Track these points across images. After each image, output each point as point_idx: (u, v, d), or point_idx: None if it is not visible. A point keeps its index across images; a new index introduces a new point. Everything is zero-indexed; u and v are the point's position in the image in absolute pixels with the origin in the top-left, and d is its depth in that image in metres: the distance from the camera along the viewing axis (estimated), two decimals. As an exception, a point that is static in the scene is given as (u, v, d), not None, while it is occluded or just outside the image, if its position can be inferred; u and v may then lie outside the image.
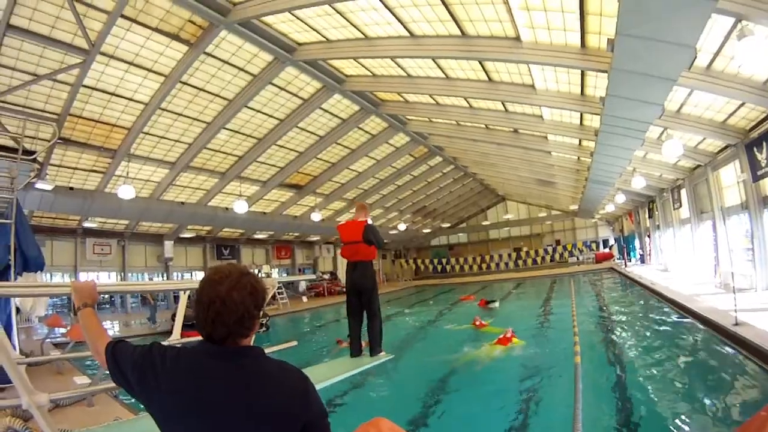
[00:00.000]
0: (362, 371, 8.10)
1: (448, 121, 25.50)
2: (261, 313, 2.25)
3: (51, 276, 28.44)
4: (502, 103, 20.68)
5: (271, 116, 24.02)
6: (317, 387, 2.28)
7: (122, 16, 15.49)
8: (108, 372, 2.37)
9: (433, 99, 22.60)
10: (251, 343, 2.28)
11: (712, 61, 12.94)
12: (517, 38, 14.48)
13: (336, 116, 25.55)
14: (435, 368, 13.07)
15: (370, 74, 21.08)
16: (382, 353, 8.39)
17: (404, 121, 27.29)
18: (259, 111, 23.31)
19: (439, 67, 18.56)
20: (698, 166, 22.04)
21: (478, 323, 18.60)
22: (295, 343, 6.78)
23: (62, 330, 18.71)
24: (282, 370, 2.22)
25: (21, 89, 17.21)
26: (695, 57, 10.52)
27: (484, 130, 25.04)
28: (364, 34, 16.97)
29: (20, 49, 15.93)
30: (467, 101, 21.58)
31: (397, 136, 29.61)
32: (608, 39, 10.47)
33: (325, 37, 17.94)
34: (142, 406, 2.27)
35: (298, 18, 16.67)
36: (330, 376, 6.80)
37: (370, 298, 8.46)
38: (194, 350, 2.19)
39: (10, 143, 16.10)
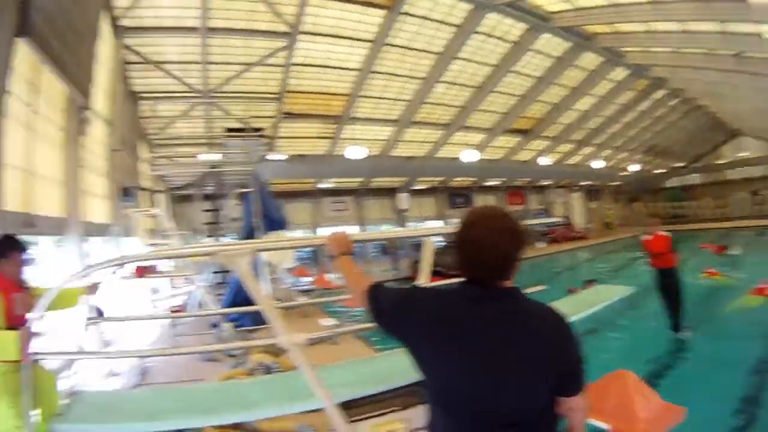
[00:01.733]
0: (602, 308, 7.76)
1: (666, 49, 22.96)
2: (522, 253, 2.17)
3: (295, 232, 30.90)
4: (719, 23, 17.92)
5: (484, 64, 23.60)
6: None
7: (310, -5, 16.06)
8: (368, 311, 2.44)
9: (646, 26, 20.45)
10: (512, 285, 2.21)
11: None
12: None
13: (548, 56, 24.39)
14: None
15: (575, 8, 19.74)
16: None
17: (620, 54, 25.16)
18: (469, 60, 22.95)
19: (646, -10, 16.72)
20: None
21: (710, 272, 16.67)
22: (544, 287, 6.73)
23: (307, 279, 20.62)
24: (545, 311, 2.19)
25: (236, 79, 18.70)
26: None
27: (704, 56, 22.08)
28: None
29: (226, 45, 17.40)
30: (681, 25, 19.12)
31: (615, 71, 27.47)
32: None
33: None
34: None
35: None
36: (572, 312, 6.65)
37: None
38: (458, 291, 2.18)
39: (240, 125, 18.03)
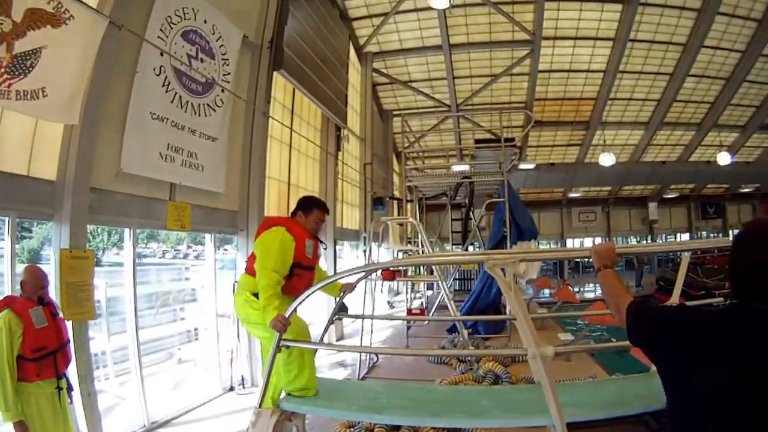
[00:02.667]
0: None
1: None
2: None
3: (539, 245, 30.42)
4: None
5: (731, 50, 21.13)
6: None
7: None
8: (627, 329, 2.25)
9: None
10: None
11: None
12: None
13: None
14: None
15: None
16: None
17: None
18: (717, 47, 20.78)
19: None
20: None
21: None
22: None
23: (549, 291, 20.40)
24: None
25: (483, 91, 19.40)
26: None
27: None
28: None
29: (470, 59, 18.14)
30: None
31: None
32: None
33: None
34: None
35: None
36: None
37: None
38: (734, 311, 1.96)
39: (488, 136, 18.63)
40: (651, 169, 28.26)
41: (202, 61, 7.57)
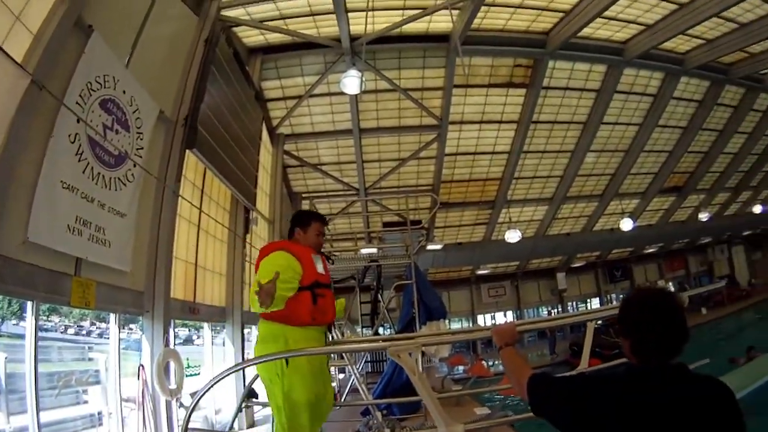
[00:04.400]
0: None
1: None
2: None
3: (450, 323, 30.53)
4: None
5: (629, 124, 23.11)
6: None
7: (455, 86, 16.95)
8: (529, 402, 2.36)
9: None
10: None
11: None
12: None
13: (691, 100, 23.39)
14: None
15: (704, 41, 18.99)
16: None
17: (759, 78, 23.46)
18: (615, 123, 22.58)
19: (766, 2, 16.00)
20: None
21: None
22: (707, 360, 5.96)
23: (462, 367, 20.33)
24: (716, 384, 2.09)
25: (391, 174, 19.74)
26: None
27: None
28: (678, 3, 15.68)
29: (379, 144, 18.60)
30: None
31: (759, 99, 25.45)
32: None
33: (644, 24, 16.93)
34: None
35: (610, 18, 16.13)
36: (740, 387, 6.20)
37: None
38: (636, 372, 2.10)
39: (396, 218, 18.70)
40: (556, 241, 29.52)
41: (117, 132, 7.25)
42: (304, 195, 19.22)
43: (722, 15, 16.52)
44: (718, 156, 28.61)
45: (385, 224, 17.57)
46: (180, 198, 9.27)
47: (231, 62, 12.40)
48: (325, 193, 20.17)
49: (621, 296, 34.29)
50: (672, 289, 37.62)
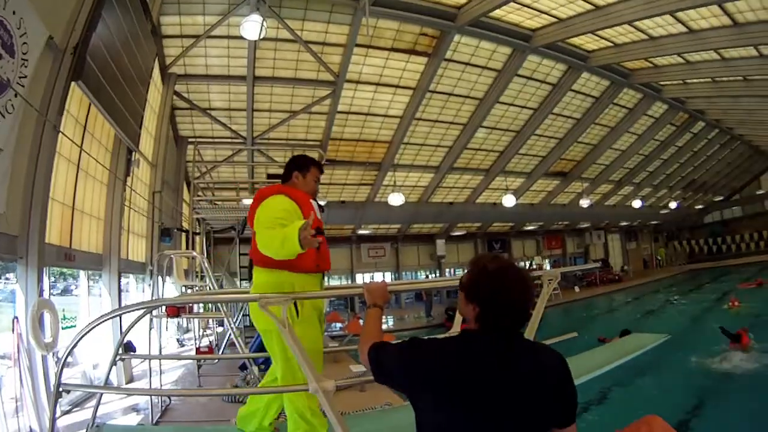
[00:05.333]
0: (634, 358, 8.04)
1: (702, 80, 23.31)
2: None
3: (329, 280, 31.20)
4: (755, 48, 18.27)
5: (524, 107, 24.12)
6: (591, 375, 2.51)
7: (357, 45, 17.02)
8: (371, 371, 2.52)
9: (682, 58, 20.77)
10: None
11: None
12: None
13: (588, 95, 24.79)
14: (707, 362, 12.46)
15: (612, 44, 20.14)
16: None
17: (658, 88, 25.51)
18: (511, 104, 23.51)
19: (680, 21, 17.14)
20: None
21: (734, 304, 18.17)
22: (575, 334, 6.48)
23: (340, 324, 20.99)
24: (548, 351, 2.30)
25: (281, 126, 19.73)
26: None
27: (742, 83, 22.39)
28: (594, 5, 16.47)
29: (271, 94, 18.41)
30: (717, 53, 19.51)
31: (654, 106, 27.58)
32: None
33: (556, 17, 17.69)
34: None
35: (524, 5, 16.71)
36: (604, 363, 6.87)
37: None
38: (476, 339, 2.23)
39: (281, 172, 18.88)
40: (439, 209, 30.53)
41: (1, 57, 6.68)
42: (190, 139, 18.67)
43: (635, 24, 17.55)
44: (606, 150, 30.70)
45: (270, 176, 17.70)
46: (60, 134, 8.79)
47: (132, -10, 11.73)
48: (212, 139, 19.86)
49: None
50: (548, 266, 40.13)
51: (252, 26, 12.66)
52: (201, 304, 14.20)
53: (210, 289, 10.63)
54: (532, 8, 16.98)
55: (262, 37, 13.28)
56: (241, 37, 13.90)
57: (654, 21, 17.29)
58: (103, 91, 9.95)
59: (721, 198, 50.55)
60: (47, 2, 7.88)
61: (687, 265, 48.14)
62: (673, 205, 43.56)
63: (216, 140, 20.00)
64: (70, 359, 3.69)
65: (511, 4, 16.21)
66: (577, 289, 35.79)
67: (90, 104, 10.56)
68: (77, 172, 10.93)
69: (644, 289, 34.98)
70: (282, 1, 14.98)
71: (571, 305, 30.28)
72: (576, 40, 19.81)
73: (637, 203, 38.04)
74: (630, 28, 18.10)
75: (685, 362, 12.58)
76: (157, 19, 14.50)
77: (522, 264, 41.00)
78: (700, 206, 50.71)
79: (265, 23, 12.79)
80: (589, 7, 16.61)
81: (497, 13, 16.96)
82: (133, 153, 13.12)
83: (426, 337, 2.47)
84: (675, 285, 35.25)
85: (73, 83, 8.76)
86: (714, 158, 40.12)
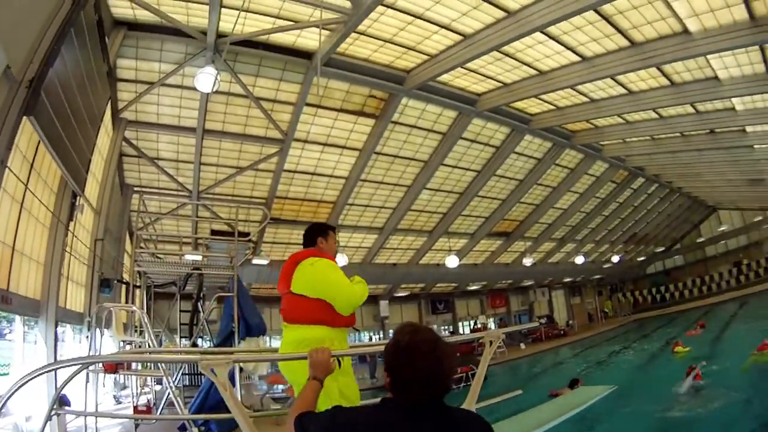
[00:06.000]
0: (585, 408, 8.06)
1: (642, 138, 24.44)
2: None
3: (271, 340, 30.76)
4: (692, 105, 19.49)
5: (468, 169, 24.71)
6: (540, 430, 2.53)
7: (306, 104, 17.30)
8: None
9: (622, 118, 21.86)
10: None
11: None
12: (686, 31, 13.93)
13: (531, 157, 25.57)
14: (654, 406, 12.68)
15: (555, 108, 20.98)
16: None
17: (599, 148, 26.56)
18: (455, 166, 24.08)
19: (620, 84, 18.08)
20: None
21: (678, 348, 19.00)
22: (519, 392, 6.54)
23: (281, 387, 20.62)
24: (468, 417, 2.31)
25: (227, 181, 19.70)
26: None
27: (680, 138, 23.66)
28: (538, 70, 17.15)
29: (220, 148, 18.42)
30: (656, 112, 20.58)
31: (595, 165, 28.81)
32: None
33: (502, 82, 18.30)
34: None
35: (471, 70, 17.26)
36: (553, 417, 6.87)
37: None
38: (385, 408, 2.28)
39: (226, 228, 18.63)
40: (383, 270, 30.62)
41: None
42: (136, 188, 18.50)
43: (577, 88, 18.30)
44: (548, 209, 31.53)
45: (213, 232, 17.45)
46: (7, 170, 8.45)
47: (93, 30, 11.48)
48: (158, 190, 19.55)
49: (443, 327, 36.20)
50: (492, 325, 40.45)
51: (206, 78, 12.60)
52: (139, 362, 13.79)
53: (149, 346, 10.33)
54: (478, 73, 17.58)
55: (215, 90, 13.23)
56: (194, 89, 13.83)
57: (595, 84, 18.12)
58: (53, 129, 9.62)
59: (663, 248, 53.32)
60: (9, 31, 7.56)
61: (631, 315, 50.41)
62: (615, 258, 45.21)
63: (162, 191, 19.71)
64: (2, 410, 3.49)
65: (459, 69, 16.71)
66: (522, 346, 36.37)
67: (39, 141, 10.14)
68: (20, 211, 10.44)
69: (590, 341, 35.91)
70: (237, 56, 15.13)
71: (518, 362, 30.61)
72: (520, 104, 20.54)
73: (579, 259, 39.14)
74: (572, 91, 18.91)
75: (633, 410, 12.68)
76: (114, 61, 14.35)
77: (467, 323, 41.41)
78: (642, 258, 52.98)
79: (219, 76, 12.79)
80: (533, 72, 17.27)
81: (445, 77, 17.50)
82: (78, 197, 12.74)
83: (356, 405, 2.76)
84: (620, 336, 36.47)
85: (24, 118, 8.36)
86: (654, 211, 42.03)
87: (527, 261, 34.22)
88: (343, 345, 4.12)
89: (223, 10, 13.03)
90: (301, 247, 4.38)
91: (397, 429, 2.17)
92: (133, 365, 12.17)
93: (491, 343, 4.57)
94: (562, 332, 41.62)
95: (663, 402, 12.95)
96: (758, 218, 46.82)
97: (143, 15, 13.42)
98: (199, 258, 12.79)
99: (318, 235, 4.40)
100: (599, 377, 19.64)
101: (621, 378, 17.97)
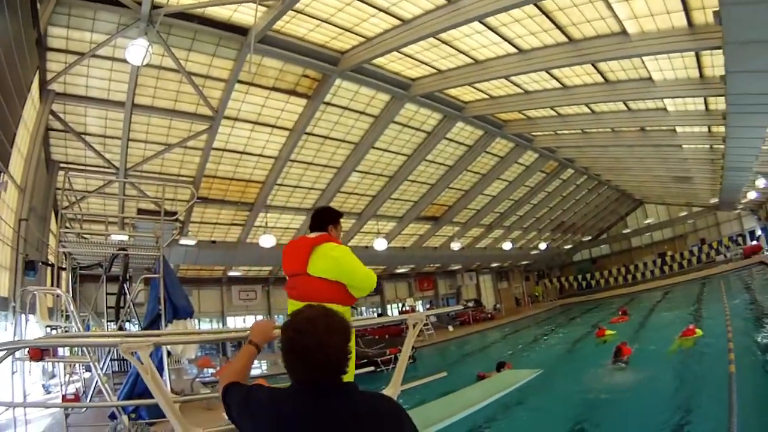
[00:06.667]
0: (512, 391, 8.30)
1: (573, 131, 25.27)
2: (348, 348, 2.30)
3: (199, 323, 30.28)
4: (624, 103, 20.29)
5: (398, 153, 24.94)
6: (466, 412, 2.56)
7: (239, 81, 17.03)
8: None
9: (555, 111, 22.50)
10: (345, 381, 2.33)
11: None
12: (624, 32, 14.39)
13: (462, 144, 25.99)
14: (581, 387, 13.45)
15: (488, 97, 21.34)
16: None
17: (530, 138, 27.27)
18: (386, 150, 24.26)
19: (555, 78, 18.53)
20: None
21: (602, 333, 19.83)
22: (444, 374, 6.56)
23: (212, 370, 20.34)
24: (379, 404, 2.30)
25: (155, 158, 19.25)
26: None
27: (611, 134, 24.61)
28: (473, 59, 17.40)
29: (149, 124, 17.97)
30: (589, 107, 21.25)
31: (525, 155, 29.68)
32: (714, 12, 10.21)
33: (436, 69, 18.51)
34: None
35: (406, 55, 17.39)
36: (479, 399, 7.07)
37: None
38: (288, 392, 2.31)
39: (153, 207, 18.26)
40: (311, 251, 30.32)
41: None
42: (62, 165, 17.76)
43: (511, 79, 18.68)
44: (477, 196, 32.12)
45: (140, 211, 17.09)
46: None
47: (24, -6, 10.88)
48: (84, 167, 18.81)
49: (371, 309, 36.59)
50: (420, 308, 41.06)
51: (137, 50, 12.32)
52: (67, 347, 13.44)
53: (76, 330, 10.11)
54: (414, 59, 17.72)
55: (146, 63, 13.00)
56: (126, 61, 13.51)
57: (530, 76, 18.51)
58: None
59: (590, 237, 55.85)
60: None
61: (558, 300, 52.23)
62: (542, 246, 46.86)
63: (88, 168, 18.99)
64: None
65: (394, 53, 16.82)
66: (450, 328, 37.52)
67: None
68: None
69: (517, 325, 37.02)
70: (171, 28, 14.65)
71: (446, 345, 31.33)
72: (453, 91, 20.86)
73: (507, 245, 40.08)
74: (506, 82, 19.29)
75: (559, 391, 13.39)
76: (44, 29, 13.67)
77: (395, 306, 41.83)
78: (569, 246, 55.17)
79: (150, 49, 12.51)
80: (468, 60, 17.52)
81: (380, 60, 17.58)
82: (2, 174, 12.17)
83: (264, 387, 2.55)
84: (547, 320, 37.74)
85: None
86: (582, 202, 43.72)
87: (455, 245, 34.87)
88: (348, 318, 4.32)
89: (161, -22, 12.49)
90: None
91: (297, 413, 2.22)
92: (60, 351, 11.91)
93: (414, 326, 4.73)
94: (489, 316, 42.83)
95: (588, 383, 13.67)
96: (683, 213, 50.35)
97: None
98: (125, 238, 12.55)
99: (329, 223, 4.62)
100: (527, 360, 20.35)
101: (548, 360, 18.65)
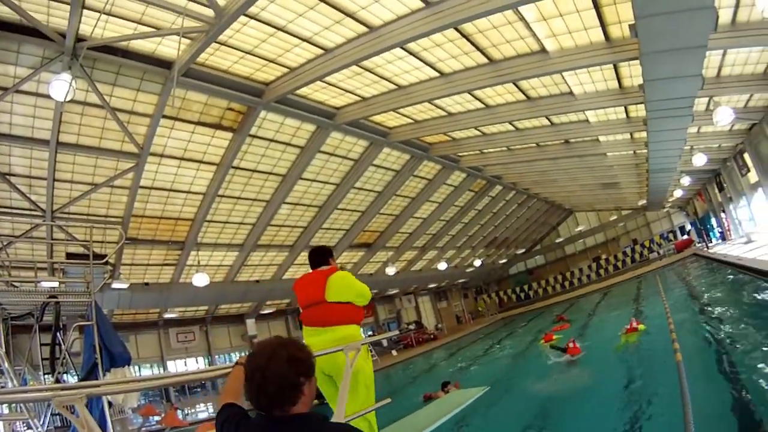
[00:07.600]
0: (462, 410, 8.48)
1: (498, 149, 25.88)
2: (307, 380, 2.36)
3: (140, 369, 29.68)
4: (547, 118, 21.10)
5: (327, 183, 25.13)
6: None
7: (164, 116, 16.93)
8: None
9: (479, 131, 23.09)
10: (306, 410, 2.38)
11: (734, 14, 13.08)
12: (543, 50, 15.07)
13: (389, 169, 26.39)
14: (529, 397, 13.74)
15: (413, 121, 21.77)
16: None
17: (456, 159, 27.78)
18: (314, 180, 24.40)
19: (477, 99, 19.08)
20: (754, 124, 21.88)
21: (548, 338, 20.15)
22: (388, 400, 6.45)
23: (157, 417, 19.87)
24: (336, 427, 2.45)
25: (82, 199, 18.79)
26: (717, 16, 10.47)
27: (535, 148, 25.40)
28: (397, 85, 17.81)
29: (74, 163, 17.60)
30: (512, 125, 21.93)
31: (453, 175, 29.98)
32: (629, 25, 10.84)
33: (360, 96, 18.85)
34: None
35: (330, 84, 17.68)
36: (428, 423, 7.23)
37: None
38: (253, 421, 2.42)
39: (82, 250, 17.84)
40: (246, 287, 30.46)
41: None
42: None
43: (434, 102, 19.17)
44: (408, 219, 32.58)
45: (69, 255, 16.73)
46: None
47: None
48: (9, 209, 18.20)
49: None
50: (362, 334, 40.85)
51: (60, 85, 12.22)
52: (5, 405, 13.02)
53: (12, 386, 9.86)
54: (338, 87, 18.02)
55: (70, 98, 12.85)
56: (49, 96, 13.28)
57: (453, 99, 19.06)
58: None
59: (524, 250, 57.79)
60: None
61: (498, 314, 53.60)
62: (477, 262, 47.84)
63: (14, 211, 18.38)
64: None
65: (318, 82, 17.06)
66: (394, 352, 37.85)
67: None
68: None
69: (460, 342, 37.65)
70: (96, 62, 14.47)
71: (391, 369, 31.61)
72: (378, 118, 21.22)
73: (442, 265, 40.76)
74: (430, 105, 19.79)
75: (509, 403, 13.71)
76: None
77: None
78: (504, 260, 56.60)
79: (74, 84, 12.45)
80: (391, 86, 17.95)
81: (304, 90, 17.81)
82: None
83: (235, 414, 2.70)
84: (490, 335, 38.28)
85: None
86: (513, 216, 44.77)
87: (390, 270, 35.22)
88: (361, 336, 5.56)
89: (84, 12, 12.41)
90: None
91: None
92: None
93: (353, 355, 4.96)
94: (432, 336, 43.31)
95: (541, 389, 14.04)
96: (614, 217, 53.12)
97: (4, 12, 12.34)
98: (55, 284, 12.45)
99: (329, 256, 5.85)
100: (474, 376, 20.60)
101: (495, 373, 18.93)
